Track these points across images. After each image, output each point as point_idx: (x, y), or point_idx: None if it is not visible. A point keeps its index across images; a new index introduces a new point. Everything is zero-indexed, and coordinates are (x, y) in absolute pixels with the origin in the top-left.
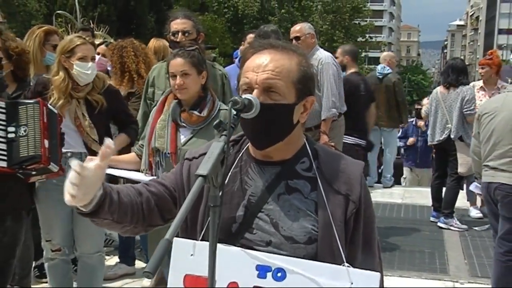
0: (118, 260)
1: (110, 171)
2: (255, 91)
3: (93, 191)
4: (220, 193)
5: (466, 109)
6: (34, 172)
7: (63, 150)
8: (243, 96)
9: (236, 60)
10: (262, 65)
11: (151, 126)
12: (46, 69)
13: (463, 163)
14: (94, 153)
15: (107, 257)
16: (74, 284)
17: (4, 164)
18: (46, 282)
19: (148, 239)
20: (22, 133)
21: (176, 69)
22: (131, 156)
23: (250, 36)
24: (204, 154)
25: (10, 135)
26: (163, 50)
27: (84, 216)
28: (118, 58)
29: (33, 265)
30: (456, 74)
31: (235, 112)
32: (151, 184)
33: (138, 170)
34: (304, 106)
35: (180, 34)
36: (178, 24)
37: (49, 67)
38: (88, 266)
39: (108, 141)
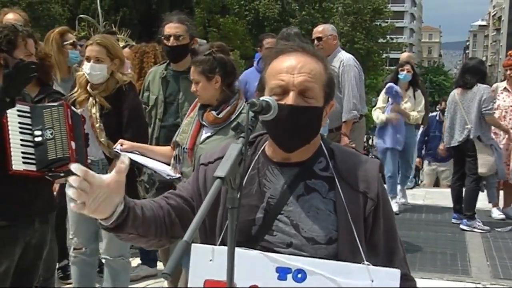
0: (140, 261)
1: (137, 157)
2: (292, 94)
3: (111, 205)
4: (238, 195)
5: (484, 109)
6: (62, 174)
7: None
8: (261, 98)
9: (255, 63)
10: (297, 67)
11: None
12: (69, 71)
13: (484, 163)
14: (109, 159)
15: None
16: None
17: (33, 167)
18: (70, 284)
19: None
20: (49, 136)
21: (191, 77)
22: (167, 149)
23: (268, 41)
24: (220, 158)
25: (37, 139)
26: None
27: (108, 231)
28: (139, 63)
29: (57, 266)
30: (471, 75)
31: (253, 114)
32: (170, 197)
33: (169, 164)
34: (326, 110)
35: (172, 38)
36: (171, 28)
37: (71, 68)
38: (112, 270)
39: (123, 156)
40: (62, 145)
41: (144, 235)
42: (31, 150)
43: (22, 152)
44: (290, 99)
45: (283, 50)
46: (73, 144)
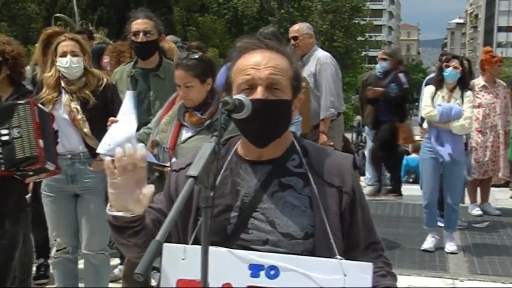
0: (119, 261)
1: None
2: (260, 88)
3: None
4: (212, 194)
5: None
6: (31, 173)
7: (63, 151)
8: (234, 96)
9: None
10: (262, 62)
11: (159, 120)
12: None
13: None
14: (92, 149)
15: None
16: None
17: (1, 167)
18: (44, 284)
19: None
20: (16, 135)
21: (179, 81)
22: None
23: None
24: (191, 163)
25: (3, 138)
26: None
27: (115, 230)
28: (116, 62)
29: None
30: None
31: (226, 113)
32: (150, 211)
33: None
34: (295, 104)
35: (141, 34)
36: (139, 24)
37: None
38: (93, 266)
39: (107, 161)
40: (30, 144)
41: (141, 246)
42: None
43: None
44: (258, 94)
45: (247, 48)
46: (41, 142)
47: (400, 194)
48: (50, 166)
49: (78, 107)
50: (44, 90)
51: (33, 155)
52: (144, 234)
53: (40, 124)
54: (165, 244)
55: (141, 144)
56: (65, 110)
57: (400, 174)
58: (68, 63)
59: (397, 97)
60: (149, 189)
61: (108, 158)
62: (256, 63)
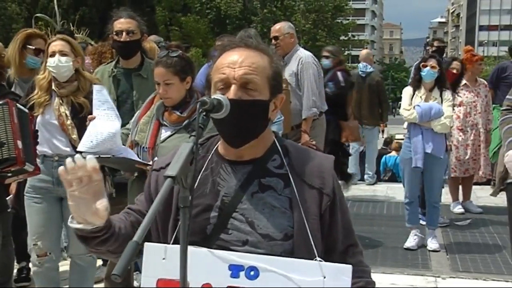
0: (101, 263)
1: (102, 152)
2: (233, 87)
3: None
4: (190, 195)
5: None
6: (9, 174)
7: (50, 153)
8: (213, 96)
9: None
10: (237, 61)
11: (138, 120)
12: (31, 73)
13: None
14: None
15: None
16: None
17: None
18: (25, 287)
19: None
20: None
21: (158, 78)
22: None
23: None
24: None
25: None
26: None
27: (80, 239)
28: (98, 64)
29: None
30: None
31: (204, 113)
32: (130, 213)
33: None
34: (275, 103)
35: (124, 33)
36: (122, 23)
37: (35, 71)
38: (80, 267)
39: (89, 160)
40: (8, 145)
41: (115, 252)
42: None
43: None
44: (231, 93)
45: (226, 46)
46: (19, 143)
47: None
48: (29, 167)
49: (67, 112)
50: (36, 91)
51: (11, 157)
52: (115, 241)
53: (18, 124)
54: (146, 244)
55: (90, 156)
56: (55, 114)
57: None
58: (56, 62)
59: (333, 95)
60: (102, 203)
61: (69, 164)
62: (232, 62)
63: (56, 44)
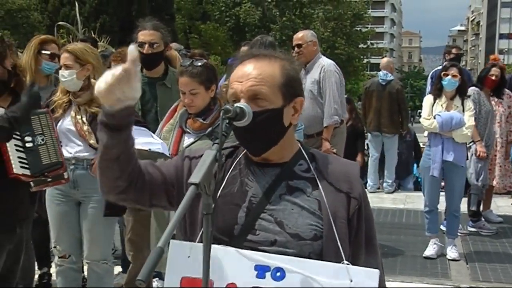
0: (121, 270)
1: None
2: (242, 101)
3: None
4: (213, 203)
5: None
6: (49, 179)
7: (68, 156)
8: (235, 104)
9: None
10: (245, 74)
11: (161, 128)
12: (47, 79)
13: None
14: None
15: None
16: None
17: (27, 172)
18: None
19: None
20: (40, 142)
21: (184, 88)
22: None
23: (243, 50)
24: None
25: (28, 145)
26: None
27: (105, 126)
28: None
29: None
30: None
31: (227, 121)
32: (151, 167)
33: None
34: (294, 108)
35: (146, 46)
36: (145, 35)
37: (50, 77)
38: (97, 275)
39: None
40: (55, 150)
41: (122, 169)
42: (23, 155)
43: (18, 157)
44: None
45: (239, 60)
46: (63, 150)
47: None
48: (66, 173)
49: (84, 119)
50: (57, 93)
51: (59, 161)
52: (129, 162)
53: (57, 133)
54: (171, 241)
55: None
56: (72, 121)
57: None
58: (60, 76)
59: None
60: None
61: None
62: (240, 76)
63: (62, 57)
